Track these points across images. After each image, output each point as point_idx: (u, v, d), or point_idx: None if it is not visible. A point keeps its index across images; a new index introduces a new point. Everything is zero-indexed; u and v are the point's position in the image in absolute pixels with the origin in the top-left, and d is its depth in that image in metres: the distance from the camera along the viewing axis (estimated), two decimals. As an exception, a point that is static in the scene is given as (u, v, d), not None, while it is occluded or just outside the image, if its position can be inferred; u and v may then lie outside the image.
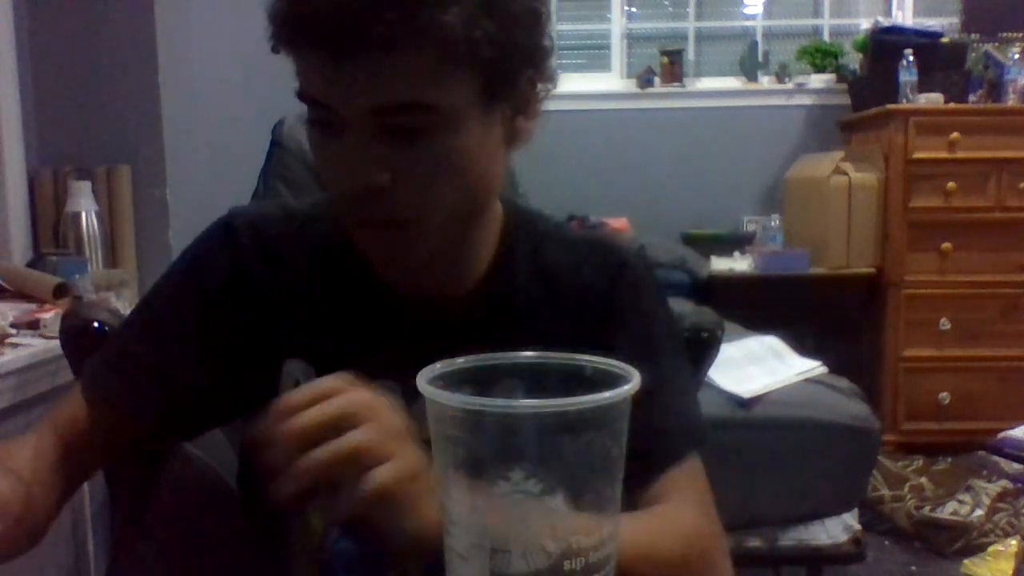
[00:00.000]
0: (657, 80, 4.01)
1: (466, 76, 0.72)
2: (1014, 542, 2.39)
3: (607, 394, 0.47)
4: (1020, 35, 3.68)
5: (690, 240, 3.76)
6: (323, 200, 0.93)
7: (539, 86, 0.80)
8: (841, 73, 3.92)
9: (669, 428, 0.85)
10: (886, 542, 2.66)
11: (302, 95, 0.74)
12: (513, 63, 0.75)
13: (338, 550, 0.86)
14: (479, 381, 0.52)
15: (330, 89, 0.72)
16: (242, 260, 0.87)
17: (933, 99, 3.39)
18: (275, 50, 0.75)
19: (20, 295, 1.86)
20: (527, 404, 0.46)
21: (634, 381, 0.49)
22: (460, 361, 0.52)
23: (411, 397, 0.85)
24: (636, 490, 0.78)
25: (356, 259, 0.86)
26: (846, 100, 3.83)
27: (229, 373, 0.86)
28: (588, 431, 0.47)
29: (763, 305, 3.16)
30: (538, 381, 0.52)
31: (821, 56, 3.97)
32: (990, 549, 2.41)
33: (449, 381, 0.51)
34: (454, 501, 0.48)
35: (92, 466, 0.85)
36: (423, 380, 0.49)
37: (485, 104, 0.75)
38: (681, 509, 0.81)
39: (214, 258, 0.88)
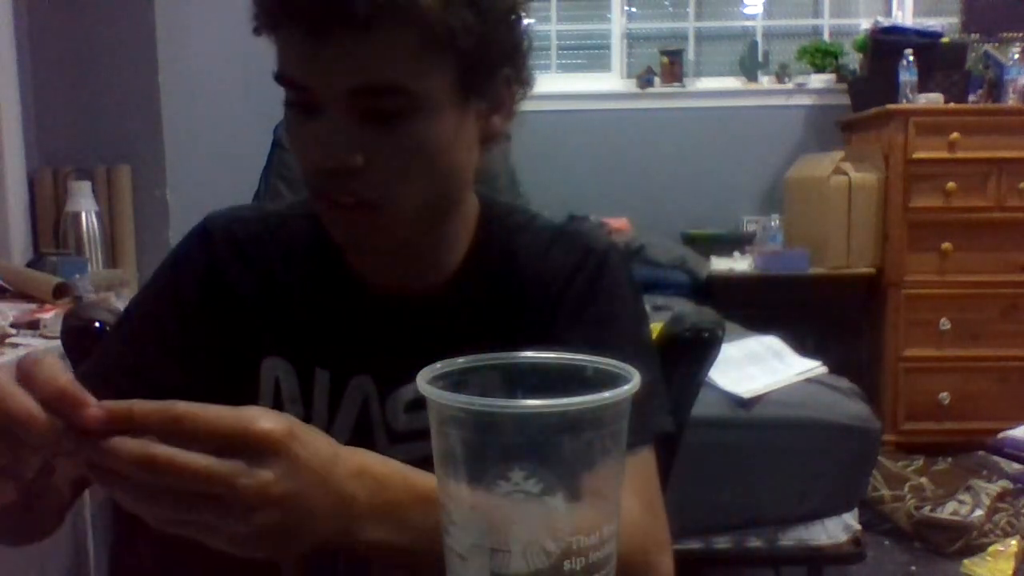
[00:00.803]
0: (657, 80, 4.01)
1: (443, 64, 0.73)
2: (1014, 542, 2.39)
3: (607, 394, 0.47)
4: (1020, 35, 3.68)
5: (690, 240, 3.76)
6: (299, 201, 0.94)
7: (515, 87, 0.81)
8: (841, 73, 3.92)
9: None
10: (886, 542, 2.66)
11: (280, 76, 0.75)
12: (490, 57, 0.76)
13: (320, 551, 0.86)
14: (479, 381, 0.52)
15: (308, 69, 0.72)
16: (217, 263, 0.89)
17: (933, 99, 3.39)
18: (257, 32, 0.76)
19: (20, 295, 1.87)
20: (527, 404, 0.46)
21: (634, 381, 0.49)
22: (460, 361, 0.52)
23: (385, 392, 0.86)
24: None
25: (330, 257, 0.87)
26: (846, 100, 3.83)
27: (211, 374, 0.87)
28: (588, 431, 0.47)
29: (763, 305, 3.16)
30: (538, 381, 0.52)
31: (821, 56, 3.97)
32: (990, 549, 2.41)
33: (449, 381, 0.51)
34: (454, 501, 0.48)
35: None
36: (423, 380, 0.49)
37: (460, 96, 0.76)
38: (622, 503, 0.80)
39: (190, 262, 0.90)
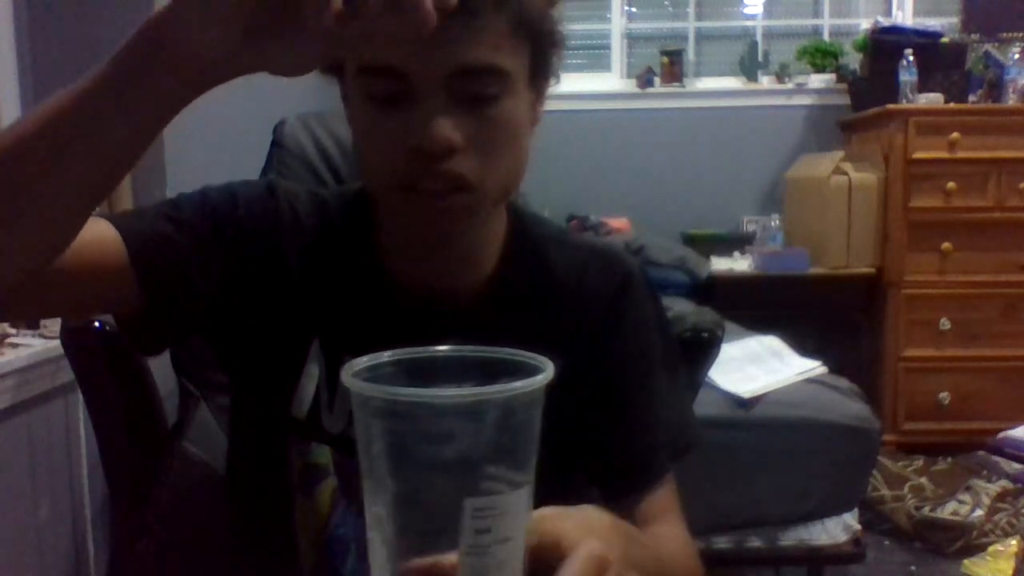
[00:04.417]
0: (657, 80, 4.01)
1: (524, 47, 0.77)
2: (1014, 542, 2.39)
3: (518, 384, 0.48)
4: (1020, 35, 3.68)
5: (690, 240, 3.76)
6: (338, 192, 0.94)
7: (552, 75, 0.84)
8: (841, 73, 3.92)
9: (656, 447, 0.88)
10: (886, 542, 2.66)
11: (368, 69, 0.76)
12: (551, 41, 0.80)
13: (338, 536, 0.86)
14: (401, 374, 0.53)
15: (410, 55, 0.73)
16: (280, 226, 0.87)
17: (933, 99, 3.39)
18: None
19: (20, 295, 1.86)
20: (442, 394, 0.48)
21: (547, 371, 0.50)
22: (386, 356, 0.54)
23: None
24: (621, 506, 0.80)
25: (368, 251, 0.88)
26: (846, 100, 3.83)
27: (223, 311, 0.85)
28: (504, 418, 0.49)
29: (763, 305, 3.16)
30: (460, 372, 0.54)
31: (821, 56, 3.97)
32: (990, 549, 2.41)
33: (376, 374, 0.52)
34: (380, 487, 0.49)
35: (84, 284, 0.78)
36: (347, 374, 0.50)
37: (530, 79, 0.80)
38: (679, 536, 0.87)
39: (256, 207, 0.87)
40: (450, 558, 0.49)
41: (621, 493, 0.88)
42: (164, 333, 0.86)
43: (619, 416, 0.88)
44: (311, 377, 0.87)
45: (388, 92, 0.75)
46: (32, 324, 1.72)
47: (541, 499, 0.87)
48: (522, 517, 0.51)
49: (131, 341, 0.87)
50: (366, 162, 0.82)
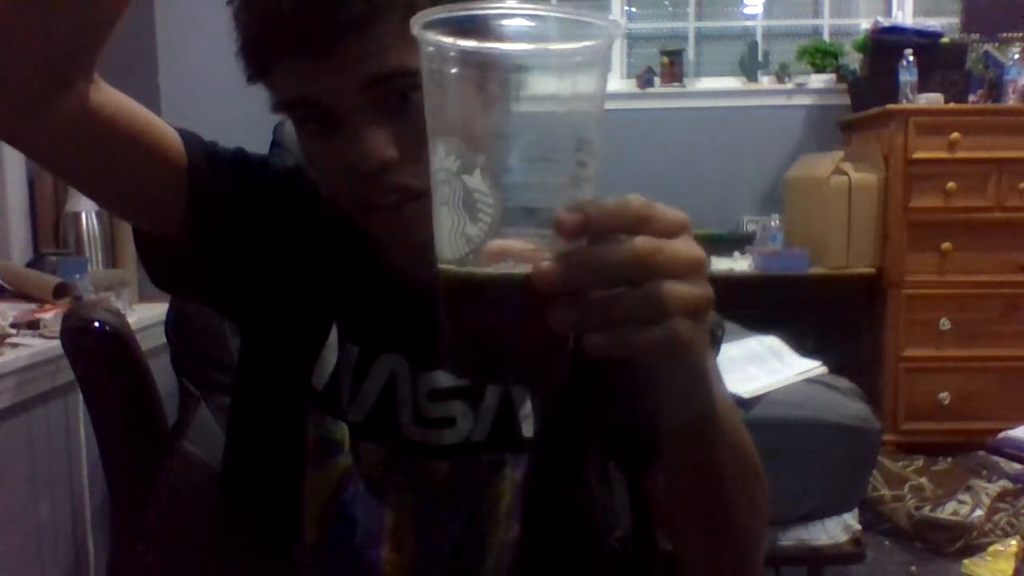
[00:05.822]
0: (657, 80, 4.01)
1: None
2: (1014, 542, 2.39)
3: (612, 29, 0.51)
4: (1020, 35, 3.68)
5: (690, 240, 3.76)
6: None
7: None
8: (841, 73, 3.92)
9: None
10: (886, 542, 2.66)
11: (291, 104, 0.78)
12: None
13: (346, 515, 0.87)
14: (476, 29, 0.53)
15: (317, 83, 0.74)
16: (304, 205, 0.90)
17: (933, 99, 3.39)
18: (252, 80, 0.80)
19: (20, 295, 1.87)
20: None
21: (614, 30, 0.52)
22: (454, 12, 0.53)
23: (417, 370, 0.87)
24: (643, 480, 0.80)
25: (364, 249, 0.89)
26: (846, 100, 3.83)
27: (251, 262, 0.87)
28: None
29: (763, 305, 3.16)
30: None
31: (821, 56, 3.97)
32: (990, 549, 2.41)
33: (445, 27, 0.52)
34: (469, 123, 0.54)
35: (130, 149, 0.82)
36: (417, 25, 0.52)
37: None
38: None
39: (284, 180, 0.91)
40: (524, 246, 0.51)
41: (641, 463, 0.87)
42: (186, 267, 0.87)
43: (625, 382, 0.87)
44: (331, 349, 0.88)
45: (316, 118, 0.77)
46: (32, 324, 1.72)
47: (555, 482, 0.87)
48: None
49: (148, 266, 0.89)
50: (321, 186, 0.85)
